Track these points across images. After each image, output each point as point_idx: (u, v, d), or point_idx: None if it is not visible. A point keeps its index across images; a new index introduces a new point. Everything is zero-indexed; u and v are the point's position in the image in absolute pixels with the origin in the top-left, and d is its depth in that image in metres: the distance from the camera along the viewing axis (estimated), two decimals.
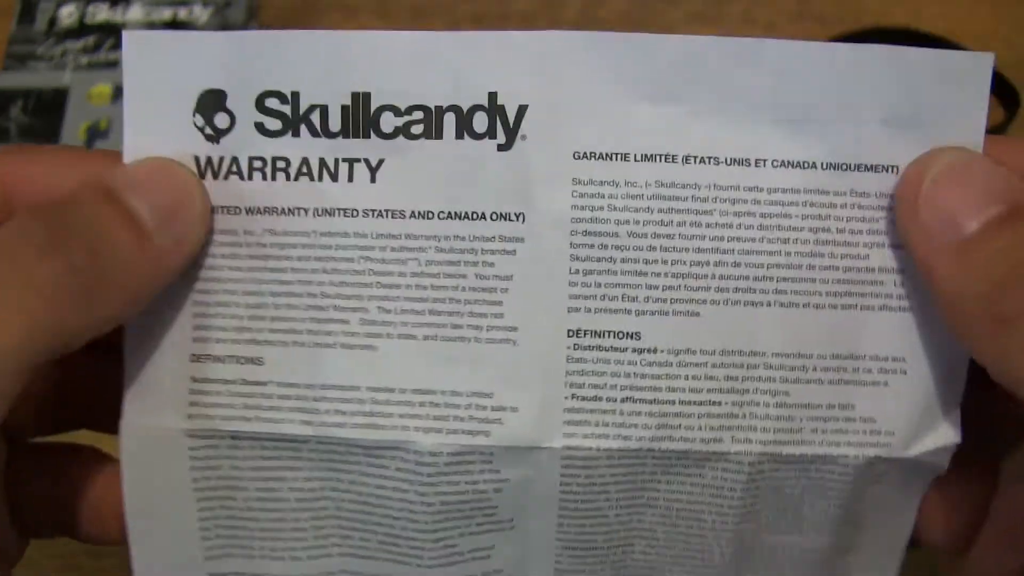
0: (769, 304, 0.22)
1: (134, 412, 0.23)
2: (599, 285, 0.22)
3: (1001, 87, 0.39)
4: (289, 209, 0.22)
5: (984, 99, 0.21)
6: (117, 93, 0.45)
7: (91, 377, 0.24)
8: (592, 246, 0.22)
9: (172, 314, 0.23)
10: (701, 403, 0.22)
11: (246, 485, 0.23)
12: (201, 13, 0.46)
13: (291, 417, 0.22)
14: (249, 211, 0.22)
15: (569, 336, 0.22)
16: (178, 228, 0.21)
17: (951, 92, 0.21)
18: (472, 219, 0.22)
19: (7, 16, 0.47)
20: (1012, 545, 0.22)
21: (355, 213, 0.22)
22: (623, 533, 0.24)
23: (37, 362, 0.19)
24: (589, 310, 0.22)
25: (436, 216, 0.22)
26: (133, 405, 0.23)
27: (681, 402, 0.22)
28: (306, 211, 0.22)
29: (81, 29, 0.45)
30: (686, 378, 0.22)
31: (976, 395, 0.22)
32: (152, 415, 0.23)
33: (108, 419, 0.23)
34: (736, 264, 0.22)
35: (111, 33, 0.45)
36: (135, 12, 0.47)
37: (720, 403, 0.22)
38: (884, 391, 0.22)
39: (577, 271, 0.22)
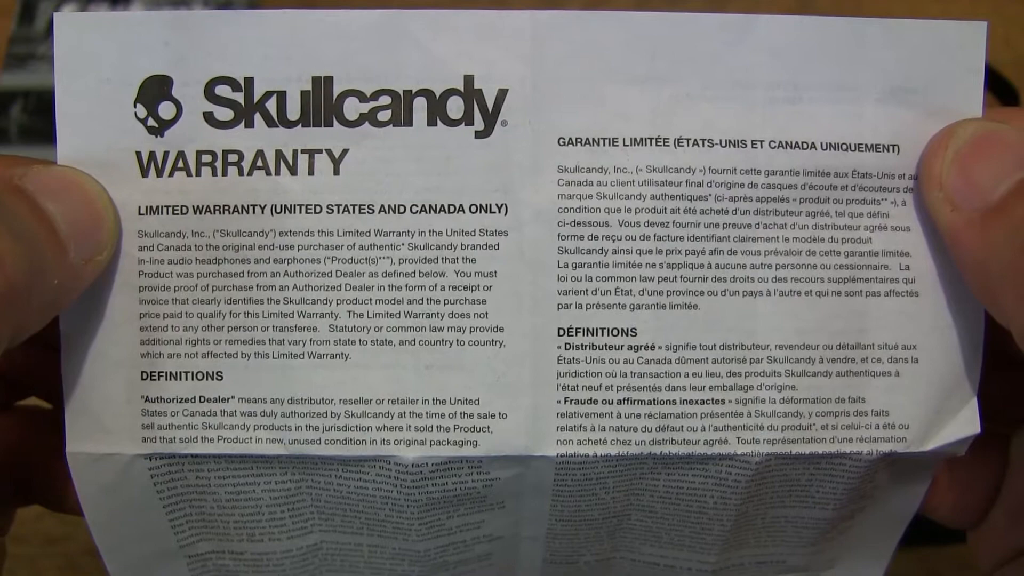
0: (769, 293, 0.20)
1: (80, 440, 0.20)
2: (590, 279, 0.20)
3: (1001, 87, 0.39)
4: (243, 207, 0.20)
5: (980, 68, 0.20)
6: None
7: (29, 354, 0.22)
8: (581, 238, 0.20)
9: (115, 329, 0.20)
10: (703, 402, 0.20)
11: (215, 490, 0.21)
12: None
13: (258, 436, 0.20)
14: (198, 210, 0.20)
15: (560, 335, 0.20)
16: (90, 245, 0.19)
17: (947, 63, 0.20)
18: (449, 212, 0.20)
19: (7, 16, 0.46)
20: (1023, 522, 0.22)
21: (318, 209, 0.20)
22: (619, 509, 0.22)
23: None
24: (580, 306, 0.20)
25: (408, 210, 0.20)
26: (78, 432, 0.20)
27: (682, 401, 0.20)
28: (262, 208, 0.20)
29: None
30: (686, 375, 0.20)
31: (986, 374, 0.21)
32: (101, 442, 0.20)
33: (52, 391, 0.21)
34: (732, 252, 0.20)
35: None
36: None
37: (723, 401, 0.20)
38: (896, 382, 0.21)
39: (566, 265, 0.20)
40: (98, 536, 0.22)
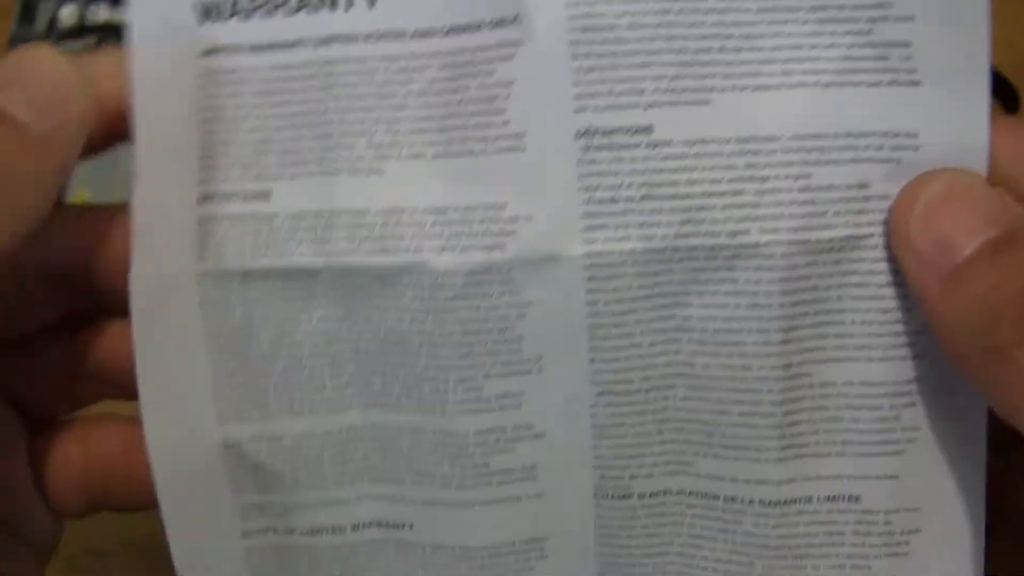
0: (778, 87, 0.21)
1: (142, 262, 0.22)
2: (603, 81, 0.21)
3: (1001, 87, 0.39)
4: (291, 42, 0.22)
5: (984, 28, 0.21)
6: None
7: (100, 348, 0.24)
8: (592, 42, 0.21)
9: (176, 159, 0.22)
10: (723, 194, 0.21)
11: (258, 334, 0.23)
12: None
13: (301, 249, 0.22)
14: (253, 49, 0.22)
15: (578, 137, 0.21)
16: (57, 115, 0.20)
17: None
18: (471, 31, 0.22)
19: (7, 16, 0.47)
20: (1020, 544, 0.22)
21: (355, 39, 0.22)
22: (661, 370, 0.22)
23: None
24: (596, 108, 0.21)
25: (437, 34, 0.22)
26: (141, 255, 0.22)
27: (702, 194, 0.21)
28: (307, 42, 0.22)
29: (82, 30, 0.45)
30: (704, 169, 0.21)
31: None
32: (160, 262, 0.22)
33: (126, 386, 0.23)
34: (738, 49, 0.21)
35: (112, 34, 0.45)
36: None
37: (742, 192, 0.21)
38: (897, 168, 0.21)
39: (579, 69, 0.21)
40: (143, 385, 0.22)
